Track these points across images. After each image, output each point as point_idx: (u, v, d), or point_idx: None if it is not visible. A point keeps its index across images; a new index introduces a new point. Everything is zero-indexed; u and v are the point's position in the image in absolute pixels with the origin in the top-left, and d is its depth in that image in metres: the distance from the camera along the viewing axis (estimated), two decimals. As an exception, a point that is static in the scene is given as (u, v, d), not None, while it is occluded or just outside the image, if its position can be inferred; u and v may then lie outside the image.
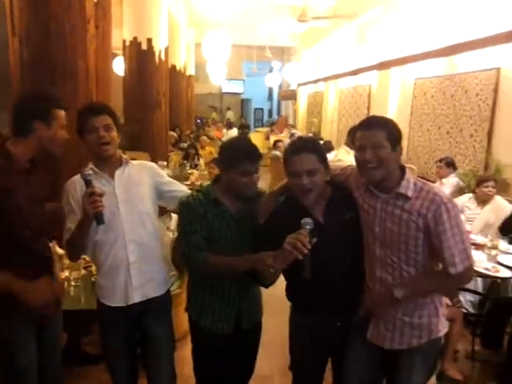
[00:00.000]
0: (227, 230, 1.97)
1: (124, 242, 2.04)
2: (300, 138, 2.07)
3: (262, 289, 2.17)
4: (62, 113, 1.94)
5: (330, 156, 7.11)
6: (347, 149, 5.11)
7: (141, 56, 6.53)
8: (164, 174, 2.28)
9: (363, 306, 1.94)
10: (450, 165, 5.44)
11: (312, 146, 1.92)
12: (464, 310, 3.44)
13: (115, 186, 2.05)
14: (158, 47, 6.63)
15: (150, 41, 6.51)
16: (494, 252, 3.46)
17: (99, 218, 1.84)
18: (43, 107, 1.89)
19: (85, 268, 2.90)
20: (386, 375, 2.04)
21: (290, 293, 2.08)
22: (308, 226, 1.70)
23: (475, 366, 3.27)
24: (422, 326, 1.86)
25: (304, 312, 2.04)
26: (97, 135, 1.97)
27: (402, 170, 1.84)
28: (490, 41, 5.37)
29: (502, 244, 3.58)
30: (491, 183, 4.16)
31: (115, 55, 10.28)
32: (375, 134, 1.78)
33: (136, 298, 2.08)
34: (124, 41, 6.60)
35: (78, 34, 2.98)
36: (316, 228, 1.75)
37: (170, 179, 2.32)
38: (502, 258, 3.33)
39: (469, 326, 3.59)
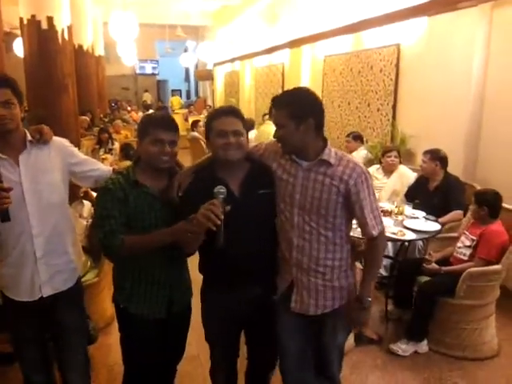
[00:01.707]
0: (151, 210, 1.90)
1: (30, 236, 1.90)
2: (224, 106, 2.10)
3: (194, 266, 2.15)
4: None
5: (251, 135, 7.18)
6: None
7: (41, 36, 6.06)
8: (76, 153, 2.12)
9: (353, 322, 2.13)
10: (358, 138, 5.71)
11: (237, 112, 1.97)
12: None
13: (21, 174, 1.87)
14: (61, 26, 6.20)
15: (50, 19, 6.05)
16: (400, 217, 3.69)
17: (4, 215, 1.71)
18: None
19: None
20: (313, 340, 2.11)
21: (201, 264, 2.08)
22: (221, 196, 1.72)
23: (388, 326, 3.52)
24: (342, 288, 1.99)
25: (214, 284, 2.06)
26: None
27: (324, 140, 1.93)
28: (390, 17, 5.64)
29: (408, 209, 3.83)
30: (394, 153, 4.44)
31: (14, 35, 9.54)
32: (278, 114, 1.89)
33: (45, 291, 1.97)
34: (21, 19, 6.10)
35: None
36: (231, 201, 1.78)
37: (84, 157, 2.18)
38: (407, 223, 3.56)
39: (382, 289, 3.85)
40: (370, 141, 6.18)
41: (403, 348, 3.16)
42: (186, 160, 2.20)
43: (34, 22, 6.02)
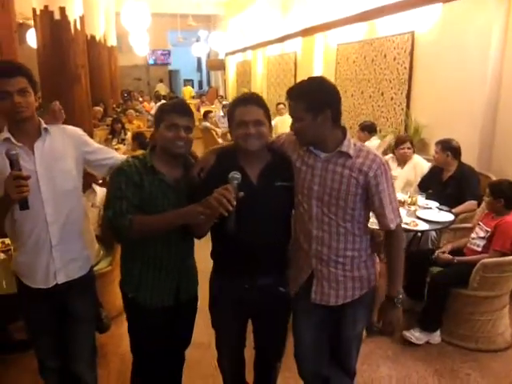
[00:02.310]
0: (164, 198, 1.90)
1: (46, 224, 1.92)
2: (246, 93, 2.07)
3: (201, 257, 2.16)
4: None
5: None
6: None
7: (54, 26, 6.07)
8: (90, 141, 2.12)
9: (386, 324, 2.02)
10: (365, 129, 5.57)
11: (259, 100, 1.93)
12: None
13: (36, 162, 1.88)
14: (73, 16, 6.21)
15: (63, 9, 6.07)
16: (413, 208, 3.65)
17: (23, 204, 1.71)
18: None
19: (3, 252, 2.76)
20: (332, 331, 2.10)
21: (213, 250, 2.09)
22: (235, 181, 1.71)
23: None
24: (362, 278, 1.98)
25: (224, 270, 2.06)
26: (11, 102, 1.78)
27: (343, 130, 1.90)
28: (404, 5, 5.55)
29: (421, 200, 3.79)
30: (407, 144, 4.38)
31: (28, 26, 9.58)
32: (294, 107, 1.85)
33: (60, 279, 1.99)
34: (34, 10, 6.13)
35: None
36: (249, 189, 1.78)
37: (98, 146, 2.17)
38: (420, 213, 3.53)
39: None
40: (384, 130, 6.12)
41: (417, 336, 3.15)
42: (198, 150, 2.19)
43: (46, 12, 6.03)
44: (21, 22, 9.86)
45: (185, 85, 21.23)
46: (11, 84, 1.78)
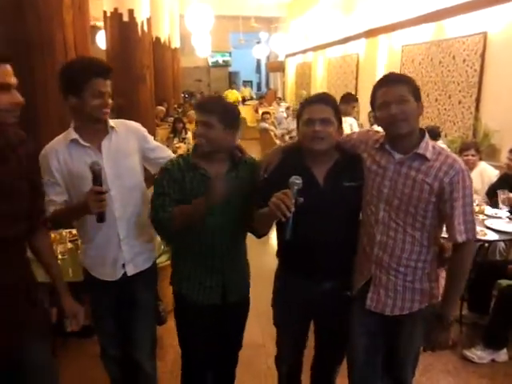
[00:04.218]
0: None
1: (114, 219, 1.97)
2: (318, 93, 2.05)
3: (257, 259, 2.16)
4: (8, 68, 1.38)
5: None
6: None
7: (122, 28, 6.35)
8: (150, 138, 2.17)
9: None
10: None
11: (328, 99, 1.90)
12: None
13: (103, 161, 1.91)
14: (140, 18, 6.45)
15: (131, 12, 6.32)
16: (481, 217, 3.47)
17: (102, 216, 1.74)
18: None
19: (71, 241, 2.88)
20: (387, 341, 2.01)
21: (279, 249, 2.07)
22: (296, 187, 1.66)
23: (462, 330, 3.33)
24: (423, 290, 1.85)
25: (289, 270, 2.04)
26: (103, 101, 1.84)
27: (422, 131, 1.81)
28: (476, 4, 5.30)
29: (489, 208, 3.60)
30: (471, 151, 4.12)
31: (98, 28, 10.04)
32: (399, 89, 1.73)
33: (129, 270, 2.05)
34: (104, 12, 6.42)
35: (53, 2, 2.86)
36: (315, 190, 1.75)
37: (157, 144, 2.22)
38: (489, 222, 3.35)
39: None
40: (450, 135, 5.86)
41: (478, 355, 2.97)
42: (255, 151, 2.19)
43: (116, 14, 6.31)
44: (92, 24, 10.35)
45: (244, 86, 21.40)
46: (107, 85, 1.85)
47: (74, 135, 1.91)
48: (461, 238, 1.73)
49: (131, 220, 2.03)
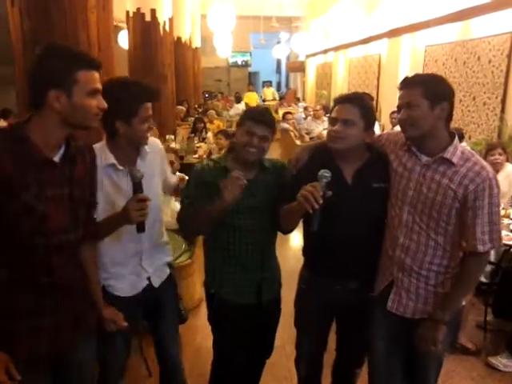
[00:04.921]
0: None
1: (138, 237, 1.86)
2: (350, 92, 2.04)
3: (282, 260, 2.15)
4: (95, 75, 1.44)
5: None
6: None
7: (145, 28, 6.42)
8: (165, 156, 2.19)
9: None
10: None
11: (357, 100, 1.88)
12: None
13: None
14: (162, 18, 6.51)
15: (153, 12, 6.39)
16: (506, 221, 3.39)
17: (141, 226, 1.69)
18: (59, 69, 1.38)
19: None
20: (408, 347, 1.95)
21: (304, 247, 2.08)
22: (324, 180, 1.67)
23: (487, 336, 3.25)
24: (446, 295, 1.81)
25: (314, 269, 2.04)
26: (149, 125, 1.81)
27: (452, 135, 1.75)
28: (503, 3, 5.17)
29: (515, 213, 3.51)
30: (498, 151, 4.00)
31: (120, 28, 10.15)
32: (409, 93, 1.71)
33: (154, 282, 2.00)
34: (127, 12, 6.49)
35: (78, 2, 2.89)
36: (343, 189, 1.76)
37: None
38: (515, 227, 3.28)
39: (481, 296, 3.57)
40: (474, 137, 5.75)
41: (504, 363, 2.90)
42: (275, 152, 2.20)
43: (138, 14, 6.38)
44: (115, 24, 10.46)
45: (263, 86, 21.33)
46: (150, 108, 1.82)
47: (113, 160, 1.82)
48: (483, 248, 1.68)
49: (151, 235, 1.95)
